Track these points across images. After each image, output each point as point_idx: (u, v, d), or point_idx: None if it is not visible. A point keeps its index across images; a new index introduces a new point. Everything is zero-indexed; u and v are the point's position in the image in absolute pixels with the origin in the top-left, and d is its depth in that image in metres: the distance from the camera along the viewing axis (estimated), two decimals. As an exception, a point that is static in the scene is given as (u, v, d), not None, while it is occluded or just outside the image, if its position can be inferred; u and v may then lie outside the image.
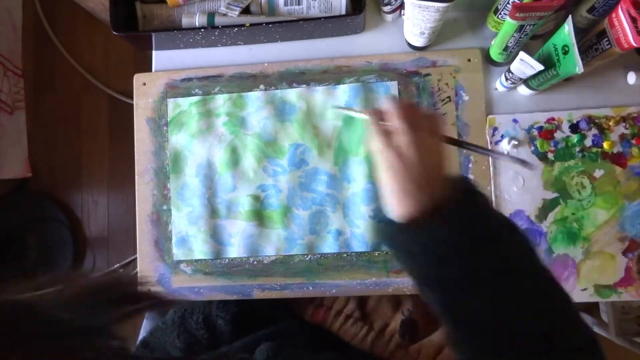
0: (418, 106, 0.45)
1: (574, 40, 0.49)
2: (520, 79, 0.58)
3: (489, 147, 0.62)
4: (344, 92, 0.64)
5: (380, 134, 0.41)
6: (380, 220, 0.42)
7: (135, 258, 0.67)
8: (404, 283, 0.62)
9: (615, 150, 0.60)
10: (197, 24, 0.64)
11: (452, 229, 0.36)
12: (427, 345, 0.61)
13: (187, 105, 0.67)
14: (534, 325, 0.35)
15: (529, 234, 0.61)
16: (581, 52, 0.52)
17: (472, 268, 0.36)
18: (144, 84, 0.68)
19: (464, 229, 0.36)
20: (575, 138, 0.61)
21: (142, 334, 0.73)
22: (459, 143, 0.46)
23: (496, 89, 0.64)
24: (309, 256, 0.64)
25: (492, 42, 0.60)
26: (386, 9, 0.63)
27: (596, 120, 0.61)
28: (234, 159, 0.65)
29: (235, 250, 0.64)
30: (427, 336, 0.61)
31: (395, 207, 0.39)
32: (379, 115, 0.42)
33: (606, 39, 0.52)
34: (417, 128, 0.40)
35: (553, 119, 0.62)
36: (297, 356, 0.56)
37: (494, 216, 0.39)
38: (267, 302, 0.66)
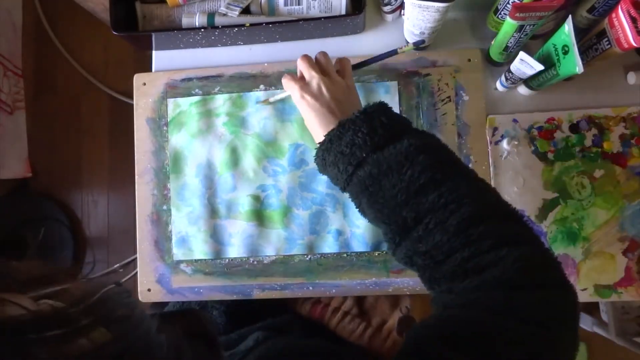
0: (326, 54, 0.52)
1: (574, 40, 0.49)
2: (520, 79, 0.58)
3: (489, 147, 0.62)
4: (344, 92, 0.64)
5: (297, 82, 0.49)
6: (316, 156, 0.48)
7: (135, 258, 0.67)
8: (404, 283, 0.62)
9: (615, 150, 0.60)
10: (197, 24, 0.64)
11: (356, 128, 0.43)
12: None
13: (187, 105, 0.67)
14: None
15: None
16: (581, 52, 0.52)
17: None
18: (144, 84, 0.68)
19: (367, 126, 0.43)
20: (575, 138, 0.61)
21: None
22: (363, 64, 0.56)
23: (496, 89, 0.64)
24: (309, 256, 0.64)
25: (492, 42, 0.60)
26: (386, 9, 0.63)
27: (596, 120, 0.61)
28: (234, 159, 0.65)
29: (235, 250, 0.64)
30: None
31: (319, 136, 0.47)
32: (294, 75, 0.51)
33: (606, 39, 0.52)
34: (326, 73, 0.50)
35: (553, 119, 0.62)
36: (286, 341, 0.57)
37: (398, 116, 0.45)
38: None
